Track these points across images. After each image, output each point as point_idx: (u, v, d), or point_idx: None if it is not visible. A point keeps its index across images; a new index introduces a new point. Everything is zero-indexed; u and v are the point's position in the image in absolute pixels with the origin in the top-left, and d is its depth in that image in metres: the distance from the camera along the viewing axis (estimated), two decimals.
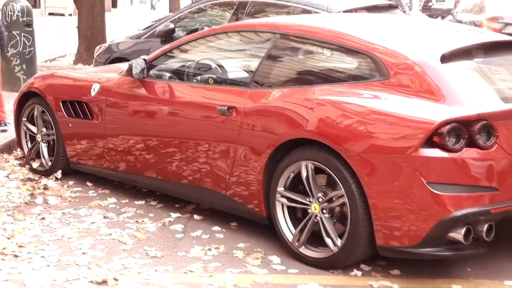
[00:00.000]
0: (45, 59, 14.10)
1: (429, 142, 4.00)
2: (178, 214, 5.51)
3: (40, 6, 27.85)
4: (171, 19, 9.44)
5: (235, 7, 8.92)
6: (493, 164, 4.06)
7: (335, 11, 7.91)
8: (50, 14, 27.31)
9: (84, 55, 13.58)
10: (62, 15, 26.81)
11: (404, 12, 11.45)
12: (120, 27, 19.48)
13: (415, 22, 5.70)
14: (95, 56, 10.20)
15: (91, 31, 13.67)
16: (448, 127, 3.97)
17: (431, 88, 4.19)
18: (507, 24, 14.37)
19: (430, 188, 3.98)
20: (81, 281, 4.29)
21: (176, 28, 9.04)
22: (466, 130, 4.01)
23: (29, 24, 9.86)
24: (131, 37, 9.97)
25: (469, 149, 4.03)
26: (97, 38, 13.47)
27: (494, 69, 4.59)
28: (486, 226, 4.05)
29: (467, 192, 4.02)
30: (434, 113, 4.04)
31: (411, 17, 7.67)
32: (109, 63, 9.34)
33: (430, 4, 35.02)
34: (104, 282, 4.27)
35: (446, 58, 4.37)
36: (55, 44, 17.49)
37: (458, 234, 4.01)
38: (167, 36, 8.90)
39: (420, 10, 36.67)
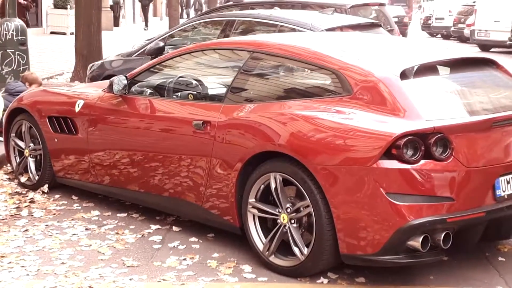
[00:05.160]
0: (43, 77, 14.28)
1: (388, 154, 4.19)
2: (158, 226, 5.68)
3: (42, 25, 28.11)
4: (161, 38, 9.66)
5: (223, 26, 9.13)
6: (449, 175, 4.24)
7: (318, 29, 8.10)
8: (52, 32, 27.52)
9: (81, 73, 13.73)
10: (64, 34, 27.07)
11: (392, 30, 11.65)
12: (120, 45, 19.74)
13: (382, 40, 5.89)
14: (88, 74, 10.41)
15: (87, 49, 13.86)
16: (405, 139, 4.16)
17: (391, 103, 4.38)
18: None
19: (388, 198, 4.17)
20: None
21: (166, 46, 9.24)
22: (422, 142, 4.20)
23: (23, 43, 10.10)
24: (123, 55, 10.18)
25: (426, 161, 4.21)
26: (93, 57, 13.63)
27: (454, 85, 4.77)
28: (443, 234, 4.22)
29: (424, 202, 4.20)
30: (392, 126, 4.23)
31: (379, 35, 7.83)
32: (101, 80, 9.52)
33: (429, 22, 35.29)
34: None
35: (406, 75, 4.56)
36: (54, 62, 17.71)
37: (416, 242, 4.19)
38: (157, 54, 9.07)
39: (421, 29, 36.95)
